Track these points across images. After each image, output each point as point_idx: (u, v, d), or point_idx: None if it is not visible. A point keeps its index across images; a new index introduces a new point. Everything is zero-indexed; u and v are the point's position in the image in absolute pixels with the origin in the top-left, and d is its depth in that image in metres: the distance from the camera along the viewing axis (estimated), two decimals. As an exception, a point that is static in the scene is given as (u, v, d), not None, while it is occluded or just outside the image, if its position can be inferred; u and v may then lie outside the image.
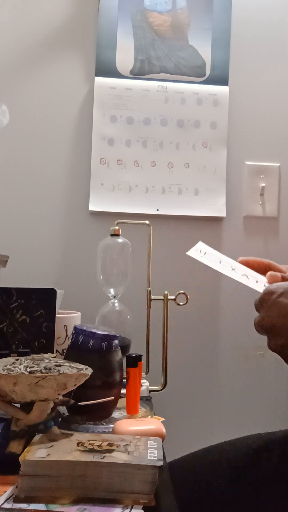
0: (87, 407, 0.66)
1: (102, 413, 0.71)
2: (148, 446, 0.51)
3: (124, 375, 0.75)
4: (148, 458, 0.48)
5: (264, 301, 0.59)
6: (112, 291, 0.99)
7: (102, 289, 1.00)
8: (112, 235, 0.99)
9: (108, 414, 0.72)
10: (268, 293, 0.60)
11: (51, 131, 1.27)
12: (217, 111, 1.29)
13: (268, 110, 1.33)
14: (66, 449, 0.49)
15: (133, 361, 0.75)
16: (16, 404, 0.57)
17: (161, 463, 0.47)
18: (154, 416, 0.76)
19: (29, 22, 1.27)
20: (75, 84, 1.28)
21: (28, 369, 0.56)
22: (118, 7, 1.27)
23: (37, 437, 0.53)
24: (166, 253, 1.28)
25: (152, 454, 0.49)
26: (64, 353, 0.78)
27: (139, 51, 1.27)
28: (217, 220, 1.31)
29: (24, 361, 0.60)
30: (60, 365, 0.59)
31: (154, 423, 0.63)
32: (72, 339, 0.74)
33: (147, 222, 1.02)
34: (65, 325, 0.90)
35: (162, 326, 0.99)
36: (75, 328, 0.74)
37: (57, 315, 0.87)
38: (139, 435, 0.55)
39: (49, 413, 0.57)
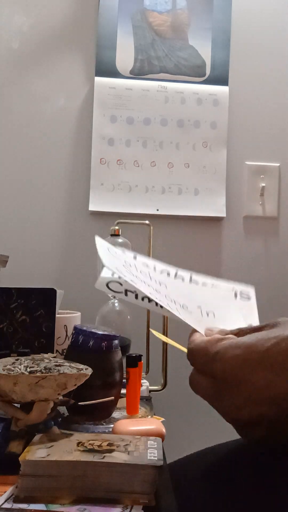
0: (87, 407, 0.66)
1: (102, 413, 0.71)
2: (148, 446, 0.51)
3: (124, 375, 0.75)
4: (148, 458, 0.48)
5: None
6: (112, 291, 0.99)
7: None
8: (112, 235, 0.99)
9: (108, 414, 0.72)
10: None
11: (51, 131, 1.27)
12: (217, 111, 1.29)
13: (268, 110, 1.33)
14: (66, 449, 0.49)
15: (133, 361, 0.75)
16: (16, 404, 0.57)
17: (161, 463, 0.47)
18: (154, 416, 0.76)
19: (29, 22, 1.26)
20: (75, 84, 1.28)
21: (28, 369, 0.56)
22: (118, 7, 1.27)
23: (37, 437, 0.53)
24: (166, 253, 1.28)
25: (152, 454, 0.49)
26: (64, 353, 0.78)
27: (139, 51, 1.27)
28: (217, 220, 1.31)
29: (24, 361, 0.60)
30: (60, 365, 0.59)
31: (154, 423, 0.63)
32: (72, 339, 0.74)
33: (147, 222, 1.02)
34: (65, 325, 0.90)
35: (162, 326, 0.99)
36: (75, 328, 0.74)
37: (57, 315, 0.87)
38: (139, 435, 0.55)
39: (49, 413, 0.57)
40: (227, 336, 0.48)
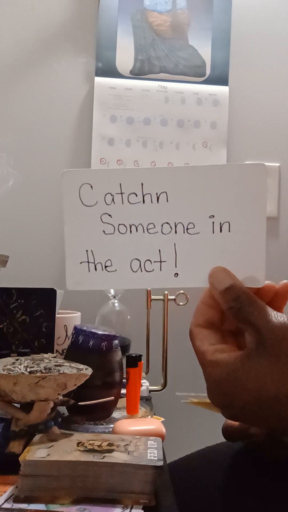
0: (87, 407, 0.66)
1: (102, 413, 0.71)
2: (148, 446, 0.51)
3: (124, 375, 0.75)
4: (148, 458, 0.48)
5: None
6: (112, 291, 0.99)
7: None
8: (112, 235, 0.99)
9: (108, 414, 0.72)
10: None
11: (51, 131, 1.27)
12: (217, 111, 1.29)
13: (268, 110, 1.33)
14: (66, 449, 0.49)
15: (133, 361, 0.75)
16: (16, 404, 0.57)
17: (161, 463, 0.47)
18: (154, 416, 0.77)
19: (30, 22, 1.26)
20: (75, 84, 1.28)
21: (28, 369, 0.56)
22: (118, 7, 1.26)
23: (37, 437, 0.53)
24: (166, 253, 1.28)
25: (152, 454, 0.49)
26: (64, 353, 0.78)
27: (139, 51, 1.27)
28: (217, 220, 1.31)
29: (24, 361, 0.60)
30: (60, 365, 0.59)
31: (154, 423, 0.63)
32: (72, 339, 0.74)
33: (147, 222, 1.02)
34: (65, 325, 0.90)
35: (162, 326, 0.99)
36: (75, 328, 0.74)
37: (57, 315, 0.87)
38: (139, 435, 0.55)
39: (49, 413, 0.57)
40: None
